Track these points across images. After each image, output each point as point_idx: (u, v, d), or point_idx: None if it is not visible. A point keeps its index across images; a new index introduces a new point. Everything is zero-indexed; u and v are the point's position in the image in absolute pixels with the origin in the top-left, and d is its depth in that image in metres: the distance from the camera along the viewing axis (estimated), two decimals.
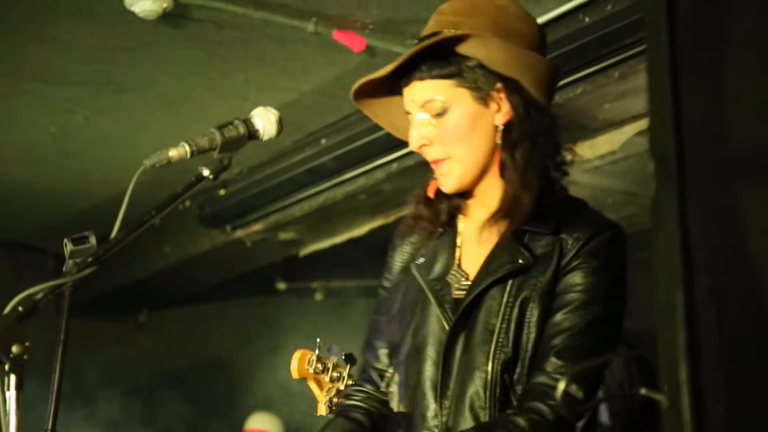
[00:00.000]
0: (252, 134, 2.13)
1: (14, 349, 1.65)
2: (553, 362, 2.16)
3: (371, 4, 4.00)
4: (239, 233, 5.94)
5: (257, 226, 5.84)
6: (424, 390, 2.25)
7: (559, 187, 2.29)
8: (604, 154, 4.66)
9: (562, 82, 4.18)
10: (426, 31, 2.29)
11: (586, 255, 2.21)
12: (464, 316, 2.23)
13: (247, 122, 2.13)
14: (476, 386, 2.19)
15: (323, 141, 5.12)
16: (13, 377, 1.66)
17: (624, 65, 3.99)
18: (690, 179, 1.20)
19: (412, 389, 2.28)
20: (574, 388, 2.13)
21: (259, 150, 5.38)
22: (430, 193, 2.34)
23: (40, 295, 1.72)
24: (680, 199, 1.19)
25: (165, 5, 3.95)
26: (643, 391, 1.20)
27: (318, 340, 2.45)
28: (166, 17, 4.04)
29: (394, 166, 4.74)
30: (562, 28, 4.06)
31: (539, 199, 2.23)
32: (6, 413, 1.67)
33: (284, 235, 5.96)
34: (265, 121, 2.14)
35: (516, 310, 2.20)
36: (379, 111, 2.40)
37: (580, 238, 2.21)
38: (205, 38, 4.31)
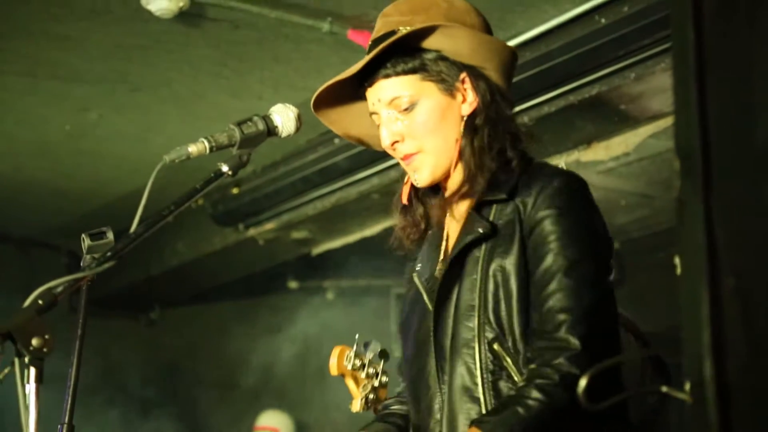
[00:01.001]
0: (271, 131, 2.14)
1: (34, 342, 1.65)
2: (545, 321, 2.12)
3: (386, 3, 3.99)
4: (252, 232, 5.94)
5: (270, 225, 5.84)
6: (428, 382, 2.26)
7: (516, 162, 2.27)
8: (619, 155, 4.65)
9: (578, 83, 4.18)
10: (375, 34, 2.30)
11: (542, 208, 2.19)
12: (443, 297, 2.24)
13: (266, 119, 2.13)
14: (466, 363, 2.19)
15: (336, 140, 5.12)
16: (33, 370, 1.66)
17: (640, 66, 3.98)
18: (715, 177, 1.19)
19: (415, 383, 2.30)
20: (573, 341, 2.07)
21: (272, 149, 5.39)
22: (404, 200, 2.35)
23: (59, 289, 1.72)
24: (705, 197, 1.18)
25: (181, 4, 3.95)
26: (664, 388, 1.20)
27: (357, 336, 2.44)
28: (181, 16, 4.05)
29: None
30: (578, 29, 4.06)
31: (495, 175, 2.25)
32: (26, 405, 1.68)
33: (297, 234, 5.95)
34: (284, 117, 2.15)
35: (491, 283, 2.19)
36: (334, 117, 2.41)
37: (532, 195, 2.20)
38: (220, 37, 4.31)
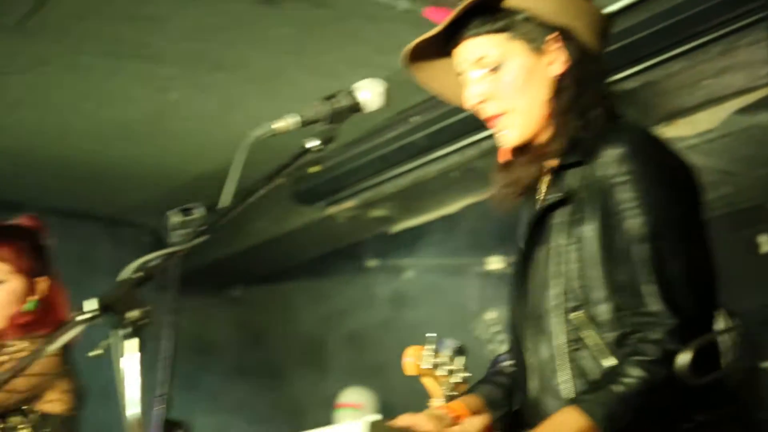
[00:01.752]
0: (355, 106, 2.14)
1: (133, 313, 1.70)
2: (634, 295, 2.06)
3: None
4: (331, 210, 5.96)
5: (349, 203, 5.85)
6: (520, 350, 2.28)
7: (599, 122, 2.20)
8: (702, 132, 4.58)
9: (659, 59, 4.13)
10: None
11: (614, 173, 2.11)
12: (527, 264, 2.24)
13: (353, 94, 2.14)
14: (547, 333, 2.18)
15: (416, 118, 5.12)
16: (133, 340, 1.70)
17: (724, 41, 3.91)
18: None
19: (513, 350, 2.33)
20: (667, 314, 2.01)
21: (351, 127, 5.39)
22: (501, 158, 2.32)
23: (155, 263, 1.76)
24: None
25: None
26: (766, 363, 1.18)
27: (434, 335, 2.40)
28: None
29: (487, 143, 4.71)
30: (661, 3, 4.00)
31: (576, 137, 2.19)
32: (122, 379, 1.71)
33: (376, 213, 5.96)
34: (372, 92, 2.16)
35: (571, 252, 2.15)
36: (431, 75, 2.40)
37: (603, 158, 2.13)
38: (299, 17, 4.33)
